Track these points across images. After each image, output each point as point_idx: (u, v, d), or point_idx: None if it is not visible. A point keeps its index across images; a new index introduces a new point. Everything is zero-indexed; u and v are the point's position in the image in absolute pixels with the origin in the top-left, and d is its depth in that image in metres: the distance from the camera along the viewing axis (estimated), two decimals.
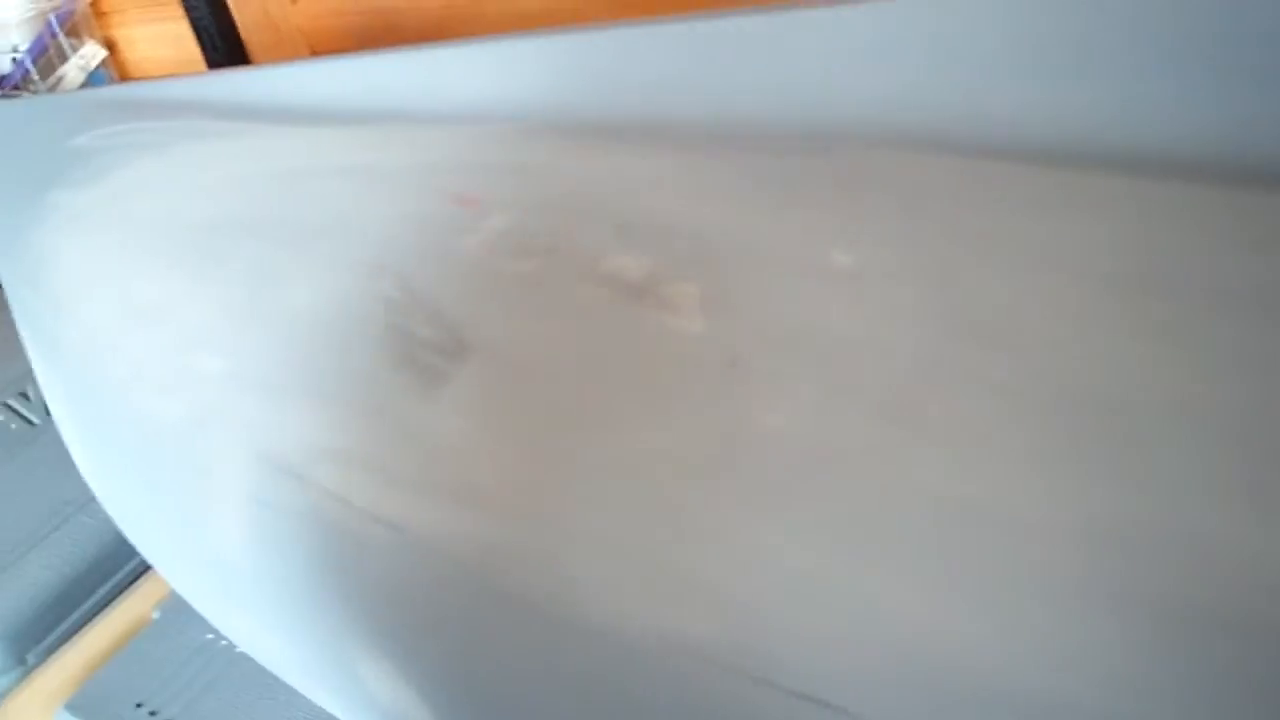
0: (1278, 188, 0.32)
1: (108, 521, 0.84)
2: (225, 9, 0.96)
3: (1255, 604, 0.24)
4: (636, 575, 0.30)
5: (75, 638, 0.85)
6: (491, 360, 0.35)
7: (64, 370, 0.59)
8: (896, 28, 0.35)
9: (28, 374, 0.82)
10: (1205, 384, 0.27)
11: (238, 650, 0.83)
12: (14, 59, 0.99)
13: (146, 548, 0.59)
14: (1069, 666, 0.25)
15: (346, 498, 0.36)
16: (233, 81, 0.56)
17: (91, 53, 1.04)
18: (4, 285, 0.66)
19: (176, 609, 0.87)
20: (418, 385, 0.36)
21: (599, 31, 0.43)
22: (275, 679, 0.81)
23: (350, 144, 0.48)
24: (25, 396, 0.93)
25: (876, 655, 0.26)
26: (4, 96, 1.03)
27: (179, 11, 1.00)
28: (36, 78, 1.02)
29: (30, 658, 0.83)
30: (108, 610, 0.88)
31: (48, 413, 0.91)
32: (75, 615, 0.86)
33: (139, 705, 0.78)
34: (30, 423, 0.92)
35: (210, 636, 0.84)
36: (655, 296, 0.34)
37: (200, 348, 0.45)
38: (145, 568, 0.91)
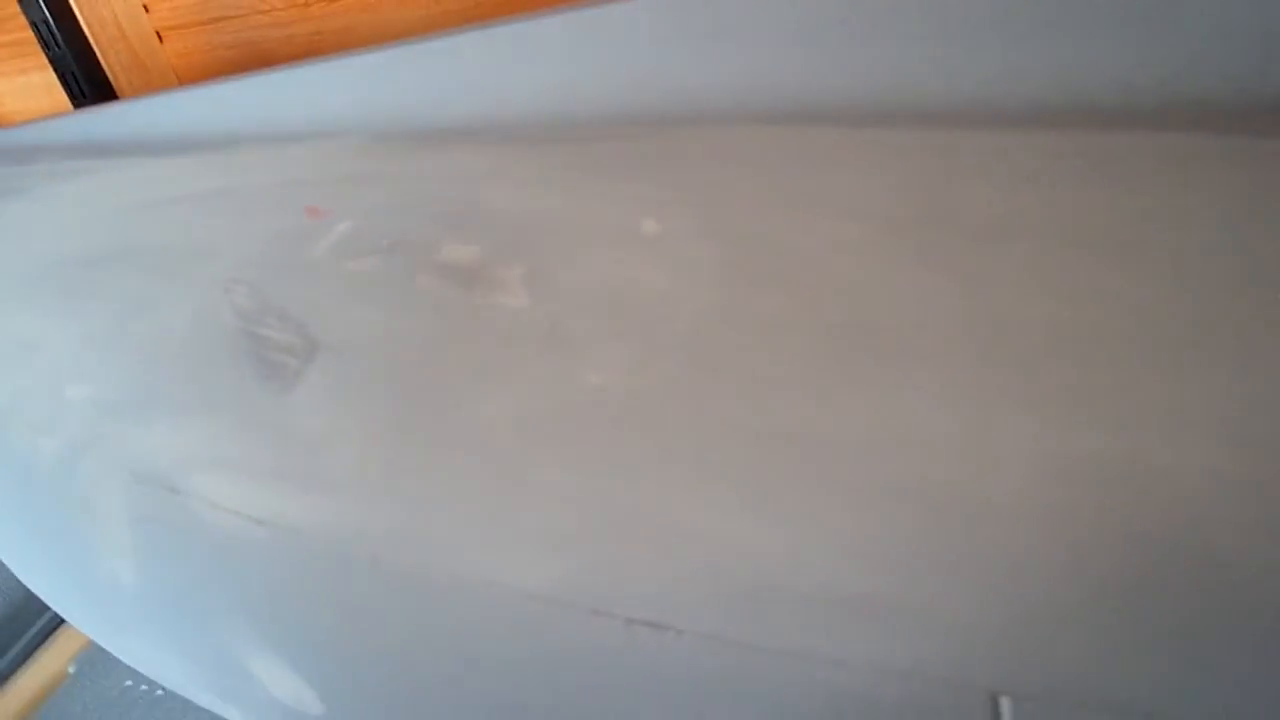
0: (1034, 127, 0.36)
1: (10, 581, 0.83)
2: (90, 52, 0.95)
3: (1011, 488, 0.27)
4: (482, 531, 0.32)
5: None
6: (339, 353, 0.37)
7: None
8: (680, 15, 0.38)
9: None
10: (965, 302, 0.30)
11: (157, 693, 0.82)
12: None
13: (43, 590, 0.59)
14: (862, 560, 0.28)
15: (217, 501, 0.38)
16: (89, 120, 0.57)
17: None
18: None
19: (93, 660, 0.87)
20: (272, 385, 0.37)
21: (427, 42, 0.46)
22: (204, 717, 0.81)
23: (205, 170, 0.49)
24: None
25: (699, 575, 0.29)
26: None
27: (43, 62, 0.99)
28: None
29: None
30: (21, 670, 0.86)
31: None
32: None
33: None
34: None
35: (129, 683, 0.83)
36: (484, 279, 0.36)
37: (70, 380, 0.46)
38: (57, 624, 0.90)
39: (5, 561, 0.63)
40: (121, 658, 0.58)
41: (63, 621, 0.91)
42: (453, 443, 0.33)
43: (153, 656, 0.51)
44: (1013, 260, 0.31)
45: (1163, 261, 0.30)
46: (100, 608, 0.51)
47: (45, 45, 0.96)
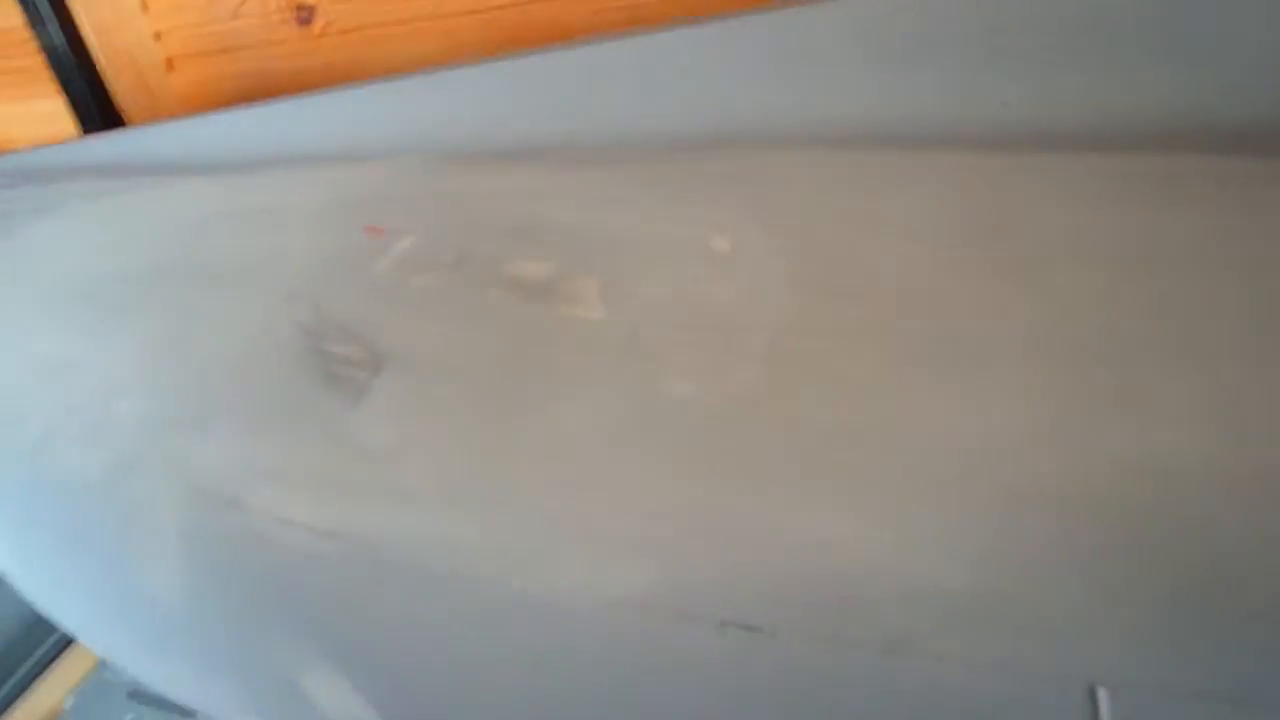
0: (1086, 150, 0.38)
1: (12, 608, 0.81)
2: (99, 79, 0.96)
3: (1096, 484, 0.28)
4: (566, 540, 0.32)
5: None
6: (409, 366, 0.37)
7: None
8: (750, 44, 0.40)
9: None
10: (1036, 310, 0.32)
11: None
12: None
13: (66, 614, 0.58)
14: (954, 557, 0.28)
15: (286, 516, 0.38)
16: (111, 143, 0.58)
17: None
18: None
19: (91, 693, 0.85)
20: (340, 398, 0.38)
21: (483, 66, 0.47)
22: None
23: (246, 189, 0.50)
24: None
25: (790, 575, 0.30)
26: None
27: (50, 89, 0.99)
28: None
29: None
30: (18, 703, 0.84)
31: None
32: None
33: None
34: None
35: (134, 713, 0.82)
36: (556, 292, 0.37)
37: (119, 395, 0.46)
38: (53, 656, 0.88)
39: (20, 585, 0.62)
40: (153, 682, 0.57)
41: (60, 653, 0.89)
42: (532, 452, 0.34)
43: (193, 678, 0.51)
44: (1075, 273, 0.32)
45: (1220, 274, 0.31)
46: (139, 629, 0.50)
47: (56, 70, 0.96)
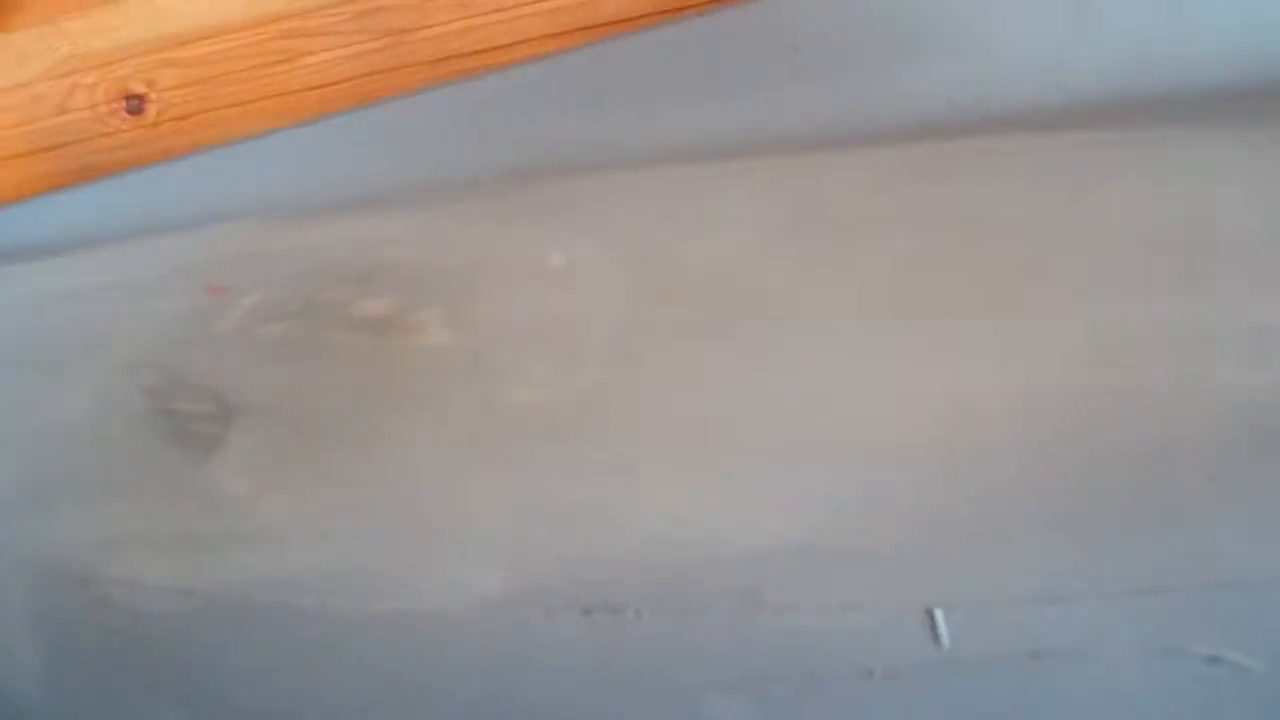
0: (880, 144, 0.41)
1: None
2: None
3: (913, 427, 0.31)
4: (427, 556, 0.33)
5: None
6: (259, 414, 0.37)
7: None
8: (570, 79, 0.43)
9: None
10: (844, 281, 0.35)
11: None
12: None
13: None
14: (794, 510, 0.30)
15: (141, 580, 0.37)
16: None
17: None
18: None
19: None
20: (191, 454, 0.37)
21: (313, 125, 0.48)
22: None
23: (87, 267, 0.49)
24: None
25: (644, 553, 0.31)
26: None
27: None
28: None
29: None
30: None
31: None
32: None
33: None
34: None
35: None
36: (400, 326, 0.38)
37: None
38: None
39: None
40: None
41: None
42: (387, 476, 0.34)
43: None
44: (877, 246, 0.36)
45: (1002, 236, 0.35)
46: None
47: None
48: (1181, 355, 0.30)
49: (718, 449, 0.31)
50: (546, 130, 0.44)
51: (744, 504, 0.31)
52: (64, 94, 0.86)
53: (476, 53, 0.57)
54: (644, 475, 0.32)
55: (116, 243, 0.49)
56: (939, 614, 0.28)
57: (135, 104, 0.85)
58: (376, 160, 0.46)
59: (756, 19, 0.42)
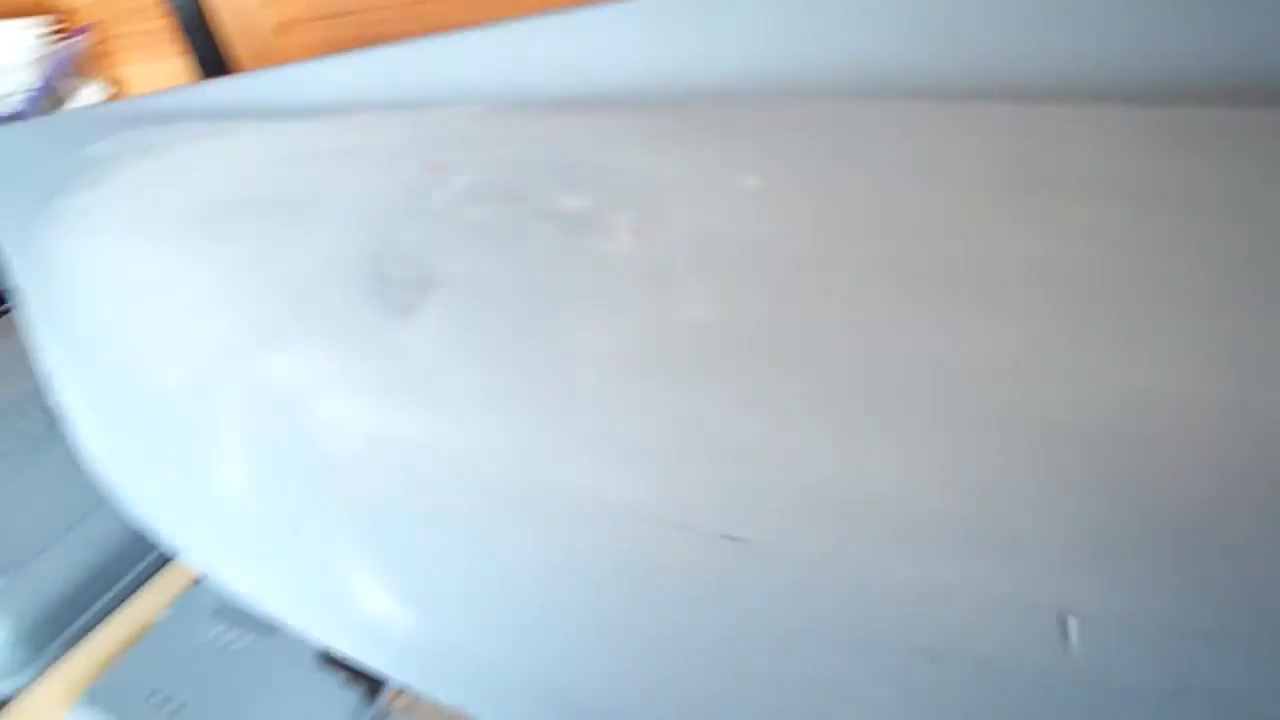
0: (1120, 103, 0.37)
1: (119, 523, 0.89)
2: (218, 43, 1.02)
3: (1085, 417, 0.29)
4: (582, 452, 0.34)
5: (90, 634, 0.90)
6: (452, 289, 0.40)
7: (77, 362, 0.64)
8: None
9: (32, 389, 0.87)
10: (1057, 251, 0.32)
11: (244, 644, 0.87)
12: (23, 98, 1.05)
13: (156, 522, 0.64)
14: (944, 481, 0.29)
15: (334, 422, 0.41)
16: (224, 88, 0.62)
17: (96, 91, 1.10)
18: (20, 292, 0.71)
19: (186, 606, 0.91)
20: (392, 317, 0.41)
21: (550, 18, 0.49)
22: (278, 670, 0.85)
23: (330, 132, 0.53)
24: (37, 406, 0.98)
25: (785, 491, 0.31)
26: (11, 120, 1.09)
27: (175, 50, 1.07)
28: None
29: (47, 653, 0.87)
30: (121, 609, 0.92)
31: (60, 419, 0.96)
32: (89, 613, 0.90)
33: (151, 695, 0.82)
34: (35, 434, 0.97)
35: (220, 629, 0.88)
36: (593, 225, 0.39)
37: (200, 314, 0.50)
38: (156, 568, 0.95)
39: (122, 499, 0.68)
40: (228, 584, 0.62)
41: (159, 570, 0.97)
42: (558, 370, 0.36)
43: (259, 581, 0.55)
44: (1097, 216, 0.33)
45: (1244, 223, 0.31)
46: (214, 534, 0.55)
47: (181, 33, 1.03)
48: None
49: (879, 400, 0.30)
50: (769, 50, 0.43)
51: (895, 461, 0.30)
52: None
53: None
54: (798, 413, 0.31)
55: (363, 112, 0.53)
56: (1073, 622, 0.27)
57: None
58: (597, 60, 0.47)
59: None
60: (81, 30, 1.15)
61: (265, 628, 0.86)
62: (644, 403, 0.34)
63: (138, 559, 0.93)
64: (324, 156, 0.52)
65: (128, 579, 0.93)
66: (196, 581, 0.95)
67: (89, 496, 0.90)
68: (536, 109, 0.48)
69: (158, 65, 1.13)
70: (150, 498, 0.63)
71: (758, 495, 0.31)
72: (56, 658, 0.88)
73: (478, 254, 0.41)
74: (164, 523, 0.62)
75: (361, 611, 0.45)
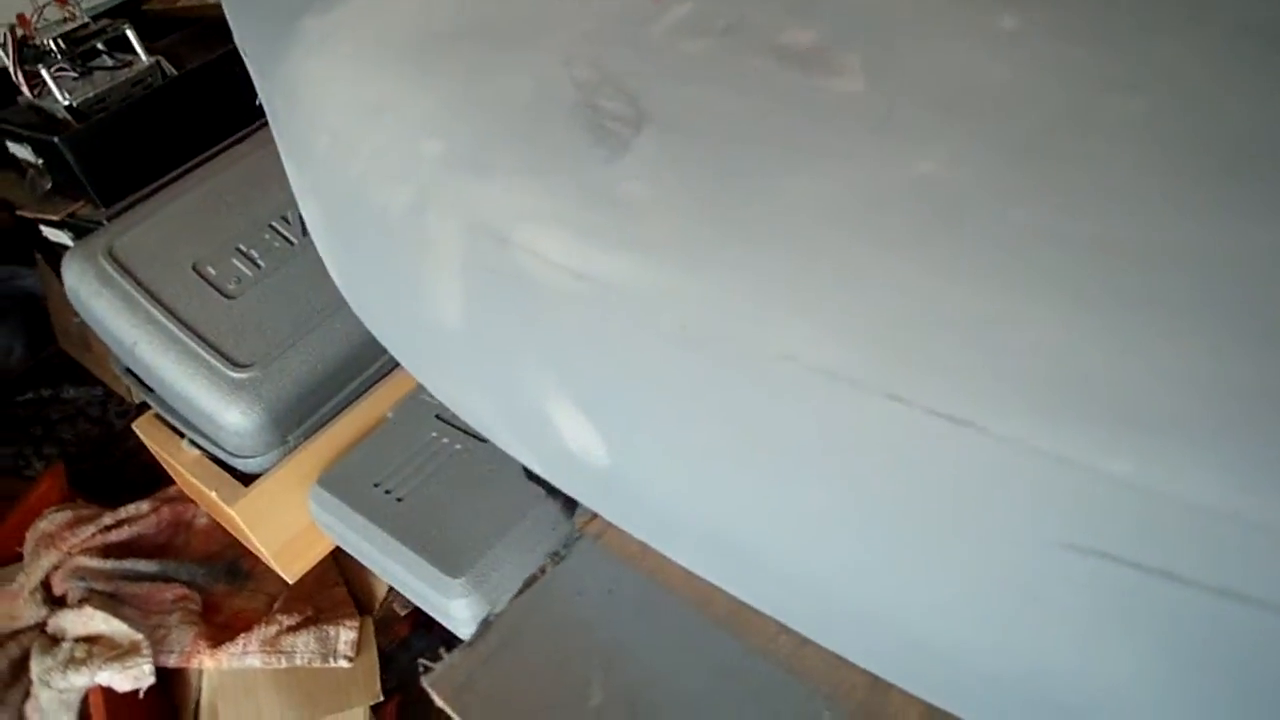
0: None
1: (354, 328, 0.97)
2: None
3: None
4: (790, 307, 0.33)
5: (326, 426, 1.00)
6: (666, 126, 0.38)
7: (314, 178, 0.68)
8: None
9: (288, 200, 0.94)
10: None
11: (459, 447, 0.94)
12: None
13: (382, 331, 0.68)
14: (1187, 385, 0.26)
15: (545, 255, 0.41)
16: None
17: None
18: (266, 108, 0.75)
19: (408, 411, 1.00)
20: (603, 151, 0.40)
21: None
22: (488, 476, 0.92)
23: None
24: (286, 220, 1.07)
25: (1008, 375, 0.28)
26: None
27: None
28: None
29: (291, 439, 0.99)
30: (351, 407, 1.02)
31: (305, 231, 1.04)
32: (326, 408, 1.01)
33: (375, 484, 0.92)
34: (290, 241, 1.06)
35: (434, 434, 0.96)
36: (821, 63, 0.36)
37: (422, 138, 0.51)
38: (384, 373, 1.04)
39: (353, 307, 0.73)
40: (441, 397, 0.66)
41: (390, 371, 1.05)
42: (770, 217, 0.34)
43: (466, 397, 0.59)
44: None
45: None
46: (428, 349, 0.58)
47: None
48: None
49: (1123, 288, 0.27)
50: None
51: (1134, 358, 0.26)
52: None
53: None
54: (1034, 294, 0.28)
55: None
56: None
57: None
58: None
59: None
60: None
61: (480, 434, 0.93)
62: (863, 264, 0.31)
63: (371, 360, 1.02)
64: None
65: (362, 378, 1.03)
66: (421, 386, 1.04)
67: (332, 300, 0.98)
68: None
69: None
70: (375, 310, 0.67)
71: (984, 376, 0.28)
72: (297, 445, 0.99)
73: (694, 90, 0.39)
74: (387, 334, 0.67)
75: (558, 440, 0.46)
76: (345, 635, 1.16)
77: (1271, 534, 0.24)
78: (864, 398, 0.31)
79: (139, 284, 0.99)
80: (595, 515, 0.80)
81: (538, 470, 0.54)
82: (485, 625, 0.76)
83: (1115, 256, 0.27)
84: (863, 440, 0.31)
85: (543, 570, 0.78)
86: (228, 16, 0.80)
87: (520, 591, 0.77)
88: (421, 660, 0.74)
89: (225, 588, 1.28)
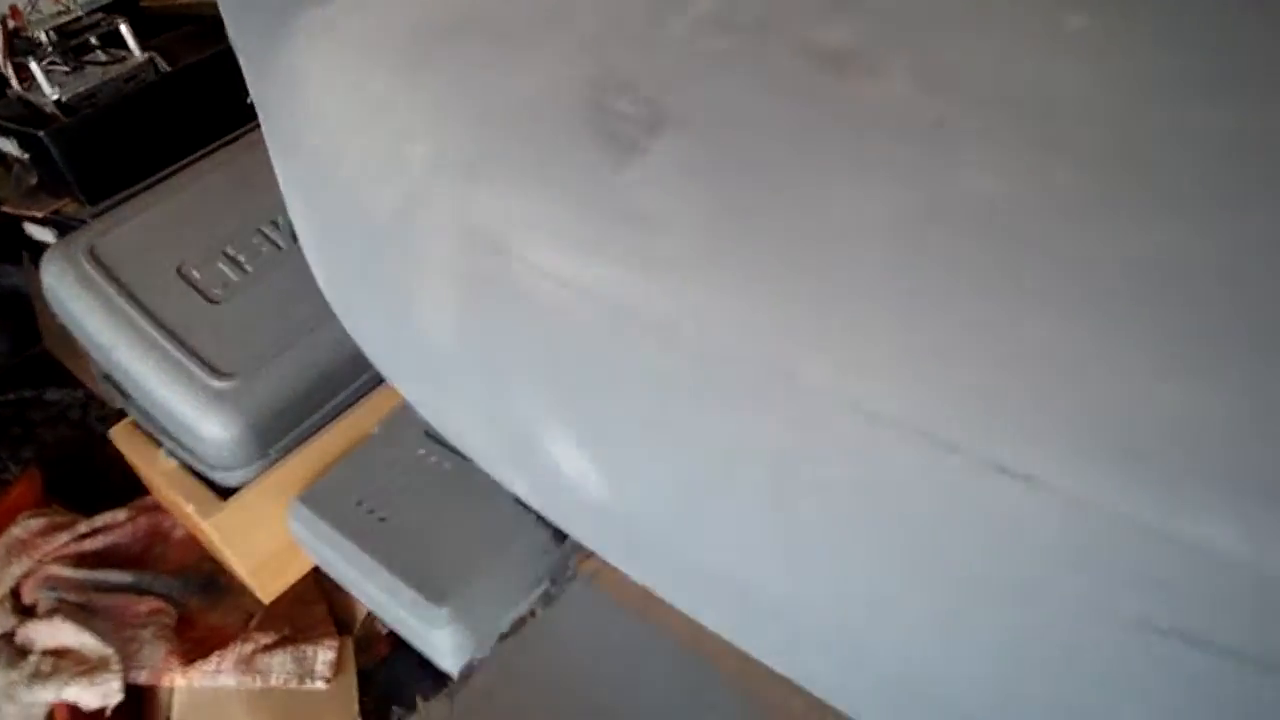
0: None
1: (341, 338, 0.93)
2: None
3: None
4: (823, 338, 0.29)
5: (310, 440, 0.96)
6: (685, 130, 0.35)
7: (303, 179, 0.64)
8: None
9: (278, 204, 0.90)
10: None
11: (448, 466, 0.90)
12: None
13: (368, 343, 0.64)
14: (1254, 424, 0.22)
15: (544, 268, 0.37)
16: None
17: None
18: (258, 107, 0.72)
19: (395, 427, 0.96)
20: (612, 157, 0.36)
21: None
22: (477, 497, 0.87)
23: None
24: (275, 224, 1.03)
25: (1072, 424, 0.25)
26: None
27: None
28: None
29: (272, 452, 0.94)
30: (336, 421, 0.97)
31: (294, 237, 1.00)
32: (310, 421, 0.96)
33: (359, 503, 0.88)
34: (278, 246, 1.02)
35: (422, 452, 0.91)
36: (859, 64, 0.32)
37: (412, 138, 0.47)
38: (371, 386, 1.00)
39: (339, 315, 0.69)
40: (428, 416, 0.62)
41: (378, 385, 1.01)
42: (802, 234, 0.30)
43: (456, 417, 0.55)
44: None
45: None
46: (416, 362, 0.54)
47: None
48: None
49: (1204, 327, 0.23)
50: None
51: (1211, 405, 0.23)
52: None
53: None
54: (1101, 331, 0.24)
55: None
56: None
57: None
58: None
59: None
60: None
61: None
62: (908, 289, 0.28)
63: (359, 373, 0.98)
64: None
65: (347, 392, 0.98)
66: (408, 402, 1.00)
67: (318, 310, 0.94)
68: None
69: None
70: (361, 320, 0.64)
71: (1051, 426, 0.25)
72: (278, 459, 0.95)
73: (718, 92, 0.35)
74: (372, 347, 0.63)
75: (551, 471, 0.42)
76: (324, 656, 1.11)
77: None
78: (909, 443, 0.27)
79: (120, 286, 0.95)
80: (591, 553, 0.76)
81: (530, 502, 0.50)
82: (468, 671, 0.71)
83: (1222, 292, 0.23)
84: (907, 492, 0.27)
85: (532, 613, 0.74)
86: (221, 9, 0.76)
87: (507, 635, 0.73)
88: (396, 708, 0.69)
89: (201, 602, 1.23)
